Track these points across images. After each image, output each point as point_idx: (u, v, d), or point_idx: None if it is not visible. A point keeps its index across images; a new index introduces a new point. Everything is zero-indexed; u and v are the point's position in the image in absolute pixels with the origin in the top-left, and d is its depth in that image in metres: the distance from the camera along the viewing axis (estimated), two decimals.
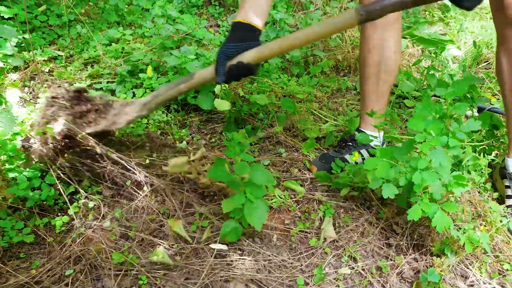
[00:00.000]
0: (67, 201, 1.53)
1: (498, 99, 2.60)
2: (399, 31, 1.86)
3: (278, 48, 1.49)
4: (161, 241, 1.48)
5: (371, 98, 1.89)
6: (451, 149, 1.36)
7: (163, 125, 2.09)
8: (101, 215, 1.54)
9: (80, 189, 1.57)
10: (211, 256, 1.45)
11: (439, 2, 3.74)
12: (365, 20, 1.39)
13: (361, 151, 1.91)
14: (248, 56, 1.47)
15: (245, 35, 1.49)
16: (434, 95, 2.54)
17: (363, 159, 1.92)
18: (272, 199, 1.69)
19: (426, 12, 3.86)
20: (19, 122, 1.72)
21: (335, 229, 1.60)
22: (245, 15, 1.49)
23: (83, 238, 1.44)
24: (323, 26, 1.45)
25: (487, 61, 3.14)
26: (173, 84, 1.61)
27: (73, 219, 1.51)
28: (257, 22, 1.50)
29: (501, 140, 1.93)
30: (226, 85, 2.19)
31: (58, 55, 2.51)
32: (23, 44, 2.39)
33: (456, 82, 1.48)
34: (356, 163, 1.89)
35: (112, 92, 2.20)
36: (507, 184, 1.82)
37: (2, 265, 1.30)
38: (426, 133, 1.38)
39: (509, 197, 1.80)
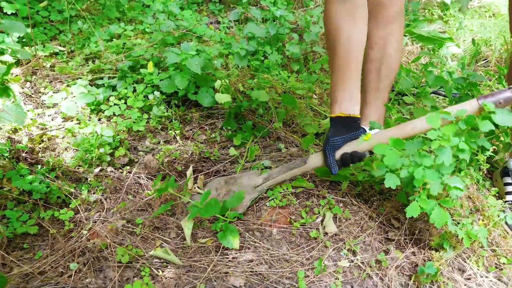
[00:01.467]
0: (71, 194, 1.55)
1: None
2: (401, 28, 1.87)
3: (395, 137, 1.52)
4: (162, 236, 1.50)
5: (371, 94, 1.91)
6: (459, 152, 1.39)
7: (164, 120, 2.10)
8: (104, 209, 1.56)
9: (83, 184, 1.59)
10: (213, 250, 1.46)
11: (438, 0, 3.76)
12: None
13: None
14: (361, 146, 1.57)
15: (348, 126, 1.58)
16: (433, 92, 2.56)
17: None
18: (272, 199, 1.70)
19: (426, 10, 3.88)
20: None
21: (335, 223, 1.62)
22: (341, 109, 1.58)
23: (86, 230, 1.45)
24: (446, 115, 1.47)
25: (486, 59, 3.16)
26: (284, 168, 1.68)
27: (77, 213, 1.53)
28: (355, 111, 1.59)
29: (501, 138, 1.94)
30: (227, 81, 2.21)
31: (60, 51, 2.52)
32: (24, 39, 2.40)
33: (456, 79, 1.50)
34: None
35: (113, 88, 2.21)
36: (507, 181, 1.84)
37: (6, 255, 1.32)
38: (440, 132, 1.41)
39: (508, 193, 1.81)
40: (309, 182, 1.80)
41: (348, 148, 1.58)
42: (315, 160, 1.64)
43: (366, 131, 1.63)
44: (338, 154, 1.59)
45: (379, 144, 1.51)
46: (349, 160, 1.57)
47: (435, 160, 1.39)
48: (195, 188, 1.72)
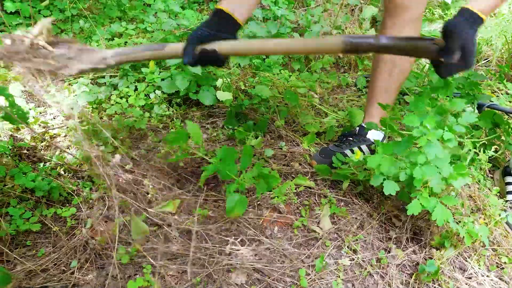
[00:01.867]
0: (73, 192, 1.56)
1: (497, 96, 2.62)
2: (418, 32, 1.83)
3: (256, 49, 1.44)
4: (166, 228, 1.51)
5: (380, 94, 1.89)
6: (446, 142, 1.38)
7: (165, 119, 2.11)
8: (106, 206, 1.56)
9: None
10: (214, 246, 1.47)
11: (439, 0, 3.76)
12: (349, 51, 1.33)
13: (362, 146, 1.93)
14: (223, 47, 1.41)
15: (223, 25, 1.43)
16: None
17: (364, 155, 1.94)
18: (274, 197, 1.71)
19: (426, 10, 3.88)
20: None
21: (335, 221, 1.63)
22: (229, 5, 1.44)
23: (88, 227, 1.46)
24: (308, 43, 1.41)
25: (487, 59, 3.16)
26: (140, 49, 1.50)
27: (79, 210, 1.53)
28: (239, 15, 1.44)
29: (502, 138, 1.94)
30: (228, 79, 2.21)
31: None
32: None
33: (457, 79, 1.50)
34: (359, 147, 1.91)
35: (115, 86, 2.21)
36: (509, 180, 1.84)
37: (9, 252, 1.33)
38: (422, 128, 1.40)
39: (510, 192, 1.82)
40: (310, 180, 1.80)
41: (214, 46, 1.40)
42: (173, 46, 1.47)
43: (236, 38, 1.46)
44: (199, 48, 1.40)
45: (369, 157, 1.52)
46: (206, 57, 1.40)
47: (427, 157, 1.40)
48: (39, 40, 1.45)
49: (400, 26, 1.78)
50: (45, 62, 1.40)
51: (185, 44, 1.41)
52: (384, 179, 1.50)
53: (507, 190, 1.83)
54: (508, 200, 1.79)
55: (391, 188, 1.48)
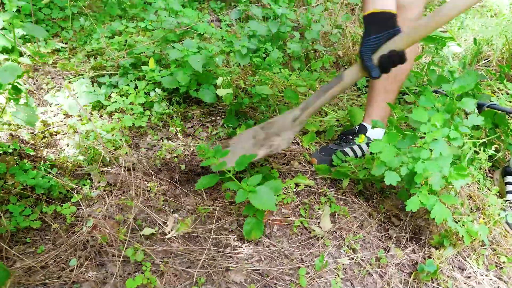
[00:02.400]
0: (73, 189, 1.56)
1: (497, 96, 2.62)
2: None
3: (432, 26, 1.38)
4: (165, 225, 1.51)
5: (380, 93, 1.89)
6: (452, 141, 1.38)
7: (165, 117, 2.11)
8: (106, 204, 1.56)
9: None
10: (213, 245, 1.47)
11: (439, 0, 3.76)
12: None
13: (362, 145, 1.93)
14: (398, 43, 1.40)
15: (382, 23, 1.43)
16: (434, 91, 2.56)
17: (363, 154, 1.94)
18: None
19: (427, 10, 3.88)
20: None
21: (335, 220, 1.63)
22: (374, 5, 1.44)
23: (88, 225, 1.46)
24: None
25: (487, 59, 3.16)
26: (321, 92, 1.54)
27: (79, 208, 1.54)
28: (390, 7, 1.43)
29: (502, 138, 1.95)
30: (228, 78, 2.21)
31: (62, 47, 2.52)
32: (27, 36, 2.41)
33: (462, 77, 1.50)
34: (360, 146, 1.91)
35: (115, 85, 2.21)
36: (509, 180, 1.84)
37: (9, 249, 1.33)
38: (430, 124, 1.40)
39: (509, 192, 1.82)
40: (310, 179, 1.80)
41: (388, 47, 1.41)
42: (351, 72, 1.50)
43: (399, 29, 1.46)
44: (376, 58, 1.43)
45: (373, 142, 1.51)
46: (387, 61, 1.41)
47: (431, 154, 1.40)
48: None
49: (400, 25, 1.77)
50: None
51: (362, 60, 1.43)
52: (385, 170, 1.49)
53: (507, 190, 1.83)
54: (507, 200, 1.79)
55: (392, 179, 1.47)
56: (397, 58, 1.40)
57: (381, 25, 1.43)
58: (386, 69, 1.44)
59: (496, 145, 1.79)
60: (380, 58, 1.42)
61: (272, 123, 1.65)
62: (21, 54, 2.27)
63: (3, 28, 2.23)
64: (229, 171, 1.52)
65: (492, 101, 2.40)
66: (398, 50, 1.40)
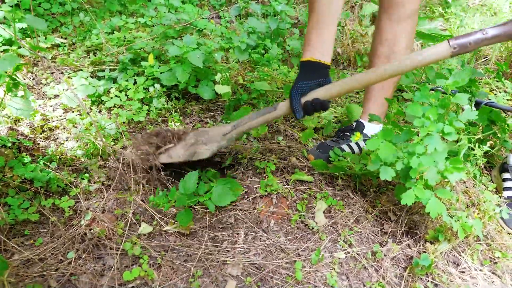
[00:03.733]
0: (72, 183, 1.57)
1: (495, 94, 2.63)
2: (413, 27, 1.84)
3: (348, 88, 1.52)
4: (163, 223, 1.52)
5: (375, 90, 1.91)
6: (447, 136, 1.39)
7: (164, 112, 2.12)
8: (104, 198, 1.57)
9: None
10: (210, 239, 1.48)
11: None
12: (457, 54, 1.41)
13: (359, 141, 1.94)
14: (321, 93, 1.53)
15: (315, 72, 1.56)
16: (432, 89, 2.56)
17: (360, 150, 1.95)
18: (268, 187, 1.72)
19: (427, 8, 3.89)
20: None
21: (331, 215, 1.64)
22: (312, 54, 1.56)
23: (87, 218, 1.47)
24: (408, 62, 1.44)
25: (486, 57, 3.17)
26: (255, 115, 1.63)
27: (77, 201, 1.55)
28: (325, 59, 1.57)
29: (498, 135, 1.96)
30: (227, 74, 2.22)
31: (61, 43, 2.54)
32: (27, 31, 2.42)
33: (457, 73, 1.51)
34: (357, 143, 1.92)
35: (114, 80, 2.22)
36: (506, 177, 1.85)
37: (7, 241, 1.34)
38: (424, 118, 1.41)
39: (506, 189, 1.83)
40: (308, 175, 1.82)
41: (313, 95, 1.55)
42: (283, 106, 1.60)
43: (330, 80, 1.58)
44: (303, 101, 1.55)
45: (369, 140, 1.52)
46: (310, 107, 1.53)
47: (426, 149, 1.40)
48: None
49: (395, 22, 1.79)
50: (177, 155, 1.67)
51: (291, 101, 1.54)
52: (381, 165, 1.50)
53: (504, 186, 1.84)
54: (503, 196, 1.80)
55: (387, 174, 1.48)
56: (318, 105, 1.52)
57: (314, 73, 1.56)
58: (309, 113, 1.55)
59: (491, 142, 1.80)
60: (305, 103, 1.54)
61: (206, 131, 1.72)
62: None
63: (3, 22, 2.24)
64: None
65: (489, 99, 2.41)
66: (322, 99, 1.52)
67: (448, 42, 1.40)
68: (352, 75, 1.57)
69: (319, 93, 1.54)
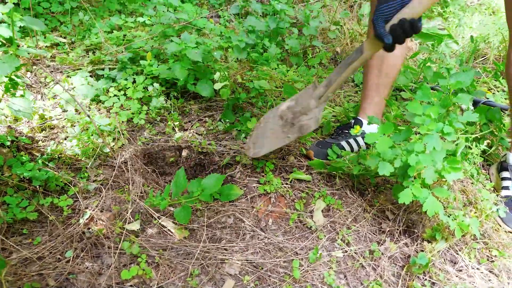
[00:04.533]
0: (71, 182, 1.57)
1: (493, 93, 2.64)
2: None
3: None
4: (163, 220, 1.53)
5: (372, 89, 1.92)
6: (446, 135, 1.39)
7: (163, 111, 2.12)
8: (103, 197, 1.58)
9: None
10: (208, 239, 1.49)
11: None
12: None
13: (357, 138, 1.95)
14: (406, 12, 1.36)
15: None
16: (432, 88, 2.57)
17: (359, 147, 1.96)
18: (267, 186, 1.73)
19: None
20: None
21: (329, 214, 1.65)
22: None
23: (85, 217, 1.48)
24: None
25: (484, 56, 3.17)
26: (342, 67, 1.52)
27: (75, 200, 1.55)
28: None
29: (495, 133, 1.96)
30: (226, 73, 2.22)
31: (60, 42, 2.54)
32: (26, 30, 2.42)
33: (458, 73, 1.51)
34: (355, 139, 1.93)
35: (113, 79, 2.22)
36: (505, 176, 1.86)
37: (5, 240, 1.35)
38: (425, 116, 1.42)
39: (504, 188, 1.83)
40: (306, 174, 1.82)
41: (398, 17, 1.37)
42: (369, 44, 1.46)
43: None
44: (388, 27, 1.39)
45: (368, 134, 1.53)
46: (399, 29, 1.36)
47: (425, 148, 1.41)
48: None
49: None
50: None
51: (374, 27, 1.39)
52: (379, 161, 1.51)
53: (502, 185, 1.85)
54: (500, 195, 1.80)
55: (386, 169, 1.49)
56: (407, 26, 1.35)
57: None
58: (399, 38, 1.38)
59: (488, 140, 1.80)
60: (392, 27, 1.39)
61: (295, 100, 1.64)
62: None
63: (2, 22, 2.24)
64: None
65: (487, 98, 2.41)
66: (408, 18, 1.36)
67: None
68: None
69: (404, 13, 1.36)
